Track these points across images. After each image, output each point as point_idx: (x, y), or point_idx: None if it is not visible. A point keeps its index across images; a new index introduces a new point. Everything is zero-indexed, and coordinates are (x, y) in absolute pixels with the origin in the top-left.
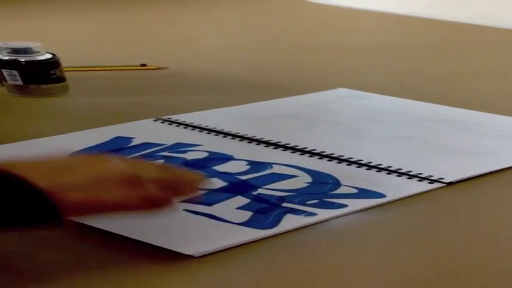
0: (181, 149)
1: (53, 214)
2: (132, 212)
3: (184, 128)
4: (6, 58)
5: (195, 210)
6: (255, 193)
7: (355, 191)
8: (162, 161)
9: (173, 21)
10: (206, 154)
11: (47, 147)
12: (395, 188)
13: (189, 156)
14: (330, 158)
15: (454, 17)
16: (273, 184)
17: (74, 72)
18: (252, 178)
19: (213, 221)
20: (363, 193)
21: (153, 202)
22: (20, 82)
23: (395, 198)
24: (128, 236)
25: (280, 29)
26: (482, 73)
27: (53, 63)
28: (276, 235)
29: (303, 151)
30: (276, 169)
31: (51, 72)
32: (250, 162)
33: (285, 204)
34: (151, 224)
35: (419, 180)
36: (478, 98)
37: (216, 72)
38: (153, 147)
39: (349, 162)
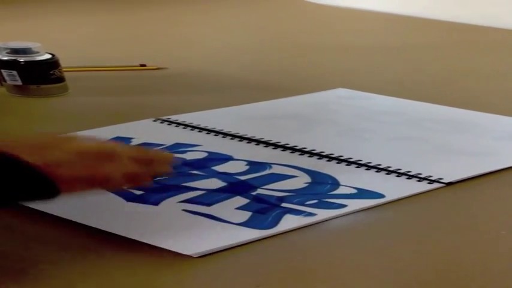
0: (181, 149)
1: (49, 187)
2: (116, 186)
3: (184, 128)
4: (5, 58)
5: (194, 210)
6: (254, 193)
7: (354, 191)
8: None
9: (173, 22)
10: (205, 154)
11: None
12: (395, 188)
13: (189, 156)
14: (329, 158)
15: (454, 17)
16: (272, 184)
17: (74, 72)
18: (251, 178)
19: (213, 221)
20: (362, 193)
21: (134, 178)
22: (19, 82)
23: (395, 199)
24: (128, 236)
25: (280, 29)
26: (482, 73)
27: (53, 63)
28: (275, 235)
29: (302, 151)
30: (275, 169)
31: (51, 72)
32: (250, 163)
33: (284, 205)
34: (151, 224)
35: (418, 181)
36: (478, 98)
37: (215, 72)
38: (153, 148)
39: (349, 162)
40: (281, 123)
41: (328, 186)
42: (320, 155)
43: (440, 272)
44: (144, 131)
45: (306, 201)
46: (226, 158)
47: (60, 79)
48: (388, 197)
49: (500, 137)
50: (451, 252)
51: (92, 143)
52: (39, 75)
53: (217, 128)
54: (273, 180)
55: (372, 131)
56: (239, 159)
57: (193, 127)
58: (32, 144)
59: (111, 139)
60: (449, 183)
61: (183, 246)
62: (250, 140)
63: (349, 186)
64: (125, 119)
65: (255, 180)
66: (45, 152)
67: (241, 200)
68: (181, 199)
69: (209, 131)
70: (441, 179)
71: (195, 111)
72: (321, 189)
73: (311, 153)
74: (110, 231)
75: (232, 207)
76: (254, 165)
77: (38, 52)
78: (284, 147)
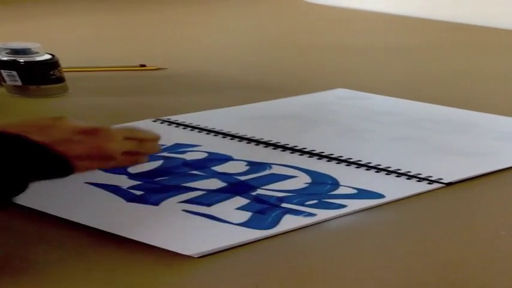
0: (181, 150)
1: (63, 165)
2: (118, 164)
3: (184, 128)
4: (5, 59)
5: (194, 210)
6: (254, 193)
7: (354, 191)
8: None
9: (173, 22)
10: (205, 155)
11: None
12: (395, 189)
13: (189, 156)
14: (329, 158)
15: (453, 18)
16: (272, 184)
17: (73, 72)
18: (251, 178)
19: (213, 221)
20: (362, 193)
21: (132, 156)
22: (19, 83)
23: (395, 199)
24: (128, 236)
25: (280, 29)
26: (482, 73)
27: (52, 63)
28: (275, 235)
29: (302, 151)
30: (275, 169)
31: (51, 72)
32: (250, 163)
33: (284, 205)
34: (151, 224)
35: (418, 181)
36: (478, 98)
37: (215, 72)
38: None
39: (348, 162)
40: (281, 123)
41: (328, 186)
42: (320, 155)
43: (440, 272)
44: None
45: (305, 202)
46: (226, 158)
47: (60, 79)
48: (388, 197)
49: (500, 137)
50: (451, 252)
51: (90, 123)
52: (39, 75)
53: (217, 129)
54: (273, 180)
55: (371, 131)
56: (239, 159)
57: (193, 127)
58: (33, 126)
59: None
60: (449, 184)
61: (183, 246)
62: (250, 140)
63: (349, 187)
64: (125, 119)
65: (255, 180)
66: (49, 132)
67: (241, 200)
68: (182, 199)
69: (209, 131)
70: (441, 179)
71: (195, 111)
72: (320, 189)
73: (311, 154)
74: (110, 231)
75: (232, 208)
76: (254, 166)
77: (37, 52)
78: (284, 147)
